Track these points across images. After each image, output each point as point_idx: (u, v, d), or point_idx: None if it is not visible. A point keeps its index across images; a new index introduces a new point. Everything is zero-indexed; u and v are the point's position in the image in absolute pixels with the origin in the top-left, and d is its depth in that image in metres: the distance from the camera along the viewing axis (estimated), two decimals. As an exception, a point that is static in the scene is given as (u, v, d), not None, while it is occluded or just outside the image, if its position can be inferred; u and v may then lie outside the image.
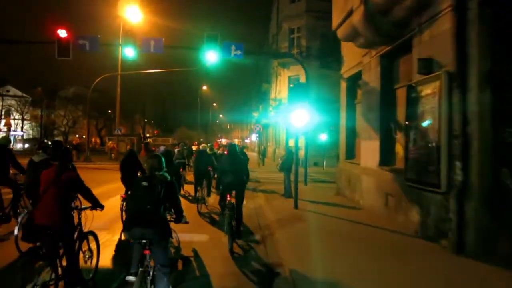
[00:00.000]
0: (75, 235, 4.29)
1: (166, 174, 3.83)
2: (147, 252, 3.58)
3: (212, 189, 10.49)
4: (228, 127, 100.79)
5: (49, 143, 7.27)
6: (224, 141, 50.81)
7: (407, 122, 7.03)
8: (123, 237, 6.28)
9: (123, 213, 7.21)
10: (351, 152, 11.62)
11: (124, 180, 8.03)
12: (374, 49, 8.92)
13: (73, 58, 12.63)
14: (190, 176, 14.35)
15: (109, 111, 50.08)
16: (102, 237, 6.06)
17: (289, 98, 10.28)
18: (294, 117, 9.23)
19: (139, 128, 61.77)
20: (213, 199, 10.39)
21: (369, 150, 9.36)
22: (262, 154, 28.22)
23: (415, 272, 5.02)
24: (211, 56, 12.39)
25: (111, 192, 10.55)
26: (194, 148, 23.51)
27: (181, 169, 12.78)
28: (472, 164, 5.46)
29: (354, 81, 11.17)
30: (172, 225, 3.94)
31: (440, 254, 5.65)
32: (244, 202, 7.18)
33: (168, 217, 3.96)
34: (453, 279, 4.78)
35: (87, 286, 4.25)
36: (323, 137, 21.19)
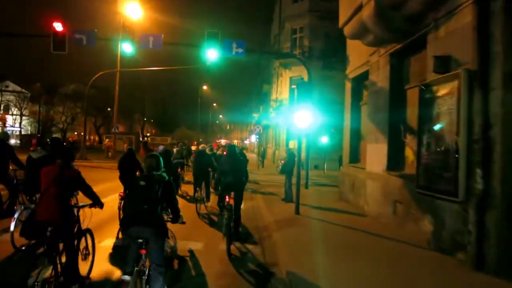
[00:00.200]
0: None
1: (164, 174, 3.84)
2: (143, 251, 3.55)
3: (211, 190, 10.46)
4: (228, 127, 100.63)
5: (48, 140, 7.11)
6: (223, 141, 50.50)
7: (419, 125, 6.56)
8: (120, 236, 6.32)
9: (121, 212, 7.16)
10: (356, 156, 11.16)
11: (122, 178, 8.06)
12: (383, 47, 8.46)
13: (74, 55, 12.32)
14: (188, 176, 14.12)
15: (108, 109, 49.73)
16: (99, 235, 5.95)
17: (295, 97, 9.85)
18: (297, 118, 8.80)
19: (138, 127, 61.46)
20: (212, 200, 10.23)
21: (376, 154, 8.88)
22: (262, 155, 27.65)
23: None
24: (211, 54, 11.91)
25: (108, 191, 10.12)
26: (193, 148, 23.18)
27: (179, 169, 12.66)
28: (494, 171, 4.97)
29: (360, 81, 10.72)
30: (169, 225, 3.94)
31: (457, 269, 5.18)
32: (242, 206, 6.95)
33: (165, 217, 3.98)
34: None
35: (84, 283, 4.27)
36: (324, 140, 20.86)
